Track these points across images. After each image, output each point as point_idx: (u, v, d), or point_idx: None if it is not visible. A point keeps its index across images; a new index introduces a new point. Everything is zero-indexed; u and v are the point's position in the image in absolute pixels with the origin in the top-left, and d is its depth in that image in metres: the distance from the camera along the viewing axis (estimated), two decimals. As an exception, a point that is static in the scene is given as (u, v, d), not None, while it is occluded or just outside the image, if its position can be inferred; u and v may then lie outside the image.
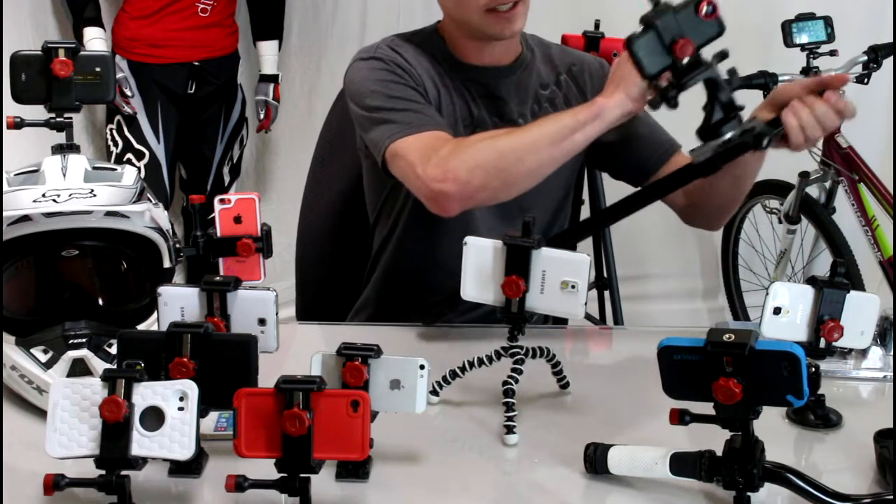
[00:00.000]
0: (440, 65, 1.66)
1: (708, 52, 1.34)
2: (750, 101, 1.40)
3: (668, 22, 1.31)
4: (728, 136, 1.36)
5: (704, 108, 1.38)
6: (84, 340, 1.24)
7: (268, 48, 3.19)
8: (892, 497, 1.01)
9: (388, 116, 1.55)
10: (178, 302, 1.18)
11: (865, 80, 2.78)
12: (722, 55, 1.34)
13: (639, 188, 1.62)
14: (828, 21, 2.77)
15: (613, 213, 1.59)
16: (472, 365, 1.28)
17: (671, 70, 1.34)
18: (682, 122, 1.46)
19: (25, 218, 1.20)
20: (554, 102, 1.70)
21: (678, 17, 1.32)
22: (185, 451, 0.97)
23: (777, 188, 3.04)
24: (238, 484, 0.97)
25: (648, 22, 1.33)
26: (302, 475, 0.97)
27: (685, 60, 1.32)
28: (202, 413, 1.02)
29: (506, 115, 1.67)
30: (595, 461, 1.09)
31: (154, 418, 0.97)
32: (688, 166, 1.47)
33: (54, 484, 0.96)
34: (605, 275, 2.81)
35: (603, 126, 1.44)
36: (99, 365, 1.22)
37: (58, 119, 1.36)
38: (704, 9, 1.28)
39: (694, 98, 1.37)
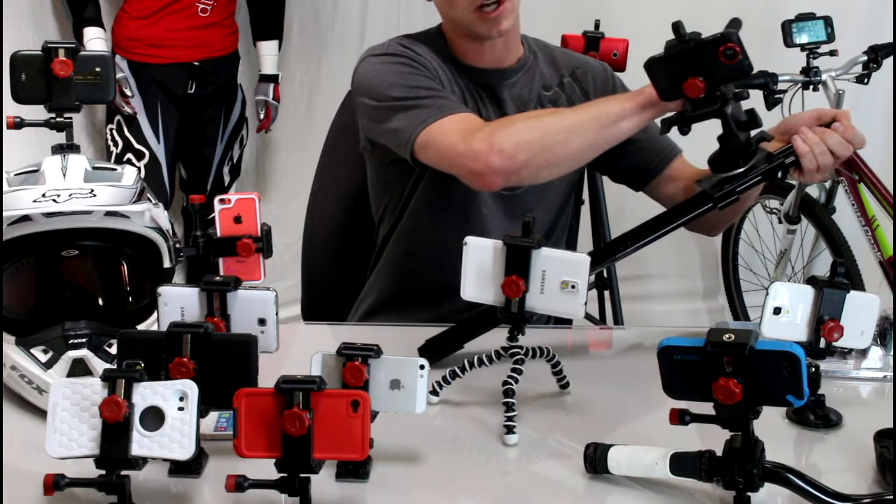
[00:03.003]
0: (448, 65, 1.66)
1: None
2: (750, 102, 1.40)
3: (686, 57, 1.30)
4: (740, 170, 1.37)
5: (719, 140, 1.38)
6: (84, 340, 1.24)
7: (268, 48, 3.19)
8: (892, 497, 1.01)
9: (415, 103, 1.54)
10: (178, 302, 1.18)
11: (865, 80, 2.77)
12: (738, 97, 1.33)
13: (652, 218, 1.54)
14: (828, 21, 2.76)
15: (622, 245, 1.55)
16: (472, 365, 1.28)
17: (685, 100, 1.34)
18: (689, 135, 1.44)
19: (25, 218, 1.20)
20: (557, 104, 1.69)
21: (698, 53, 1.29)
22: (185, 451, 0.97)
23: (777, 188, 3.03)
24: (238, 484, 0.97)
25: (667, 51, 1.32)
26: (302, 475, 0.97)
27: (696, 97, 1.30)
28: (202, 413, 1.02)
29: None
30: (595, 461, 1.09)
31: (154, 418, 0.97)
32: (702, 195, 1.44)
33: (54, 484, 0.96)
34: (605, 275, 2.80)
35: (653, 115, 1.42)
36: (99, 365, 1.22)
37: (58, 119, 1.36)
38: (725, 52, 1.24)
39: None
